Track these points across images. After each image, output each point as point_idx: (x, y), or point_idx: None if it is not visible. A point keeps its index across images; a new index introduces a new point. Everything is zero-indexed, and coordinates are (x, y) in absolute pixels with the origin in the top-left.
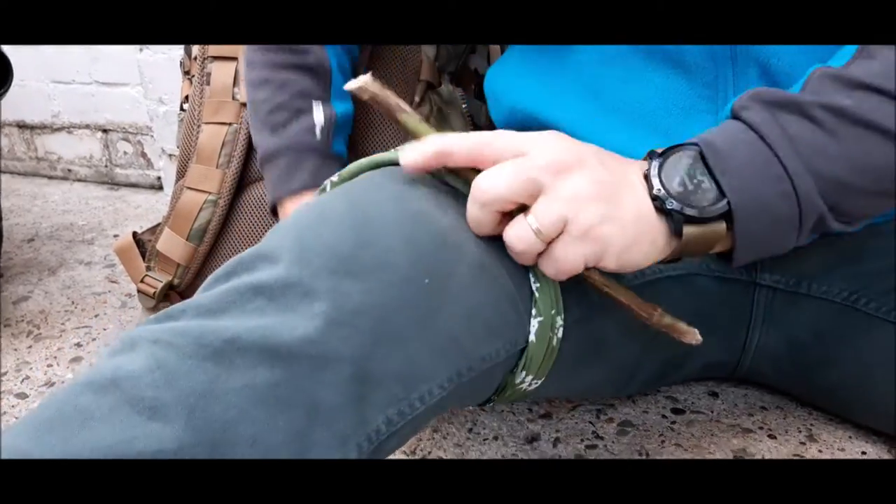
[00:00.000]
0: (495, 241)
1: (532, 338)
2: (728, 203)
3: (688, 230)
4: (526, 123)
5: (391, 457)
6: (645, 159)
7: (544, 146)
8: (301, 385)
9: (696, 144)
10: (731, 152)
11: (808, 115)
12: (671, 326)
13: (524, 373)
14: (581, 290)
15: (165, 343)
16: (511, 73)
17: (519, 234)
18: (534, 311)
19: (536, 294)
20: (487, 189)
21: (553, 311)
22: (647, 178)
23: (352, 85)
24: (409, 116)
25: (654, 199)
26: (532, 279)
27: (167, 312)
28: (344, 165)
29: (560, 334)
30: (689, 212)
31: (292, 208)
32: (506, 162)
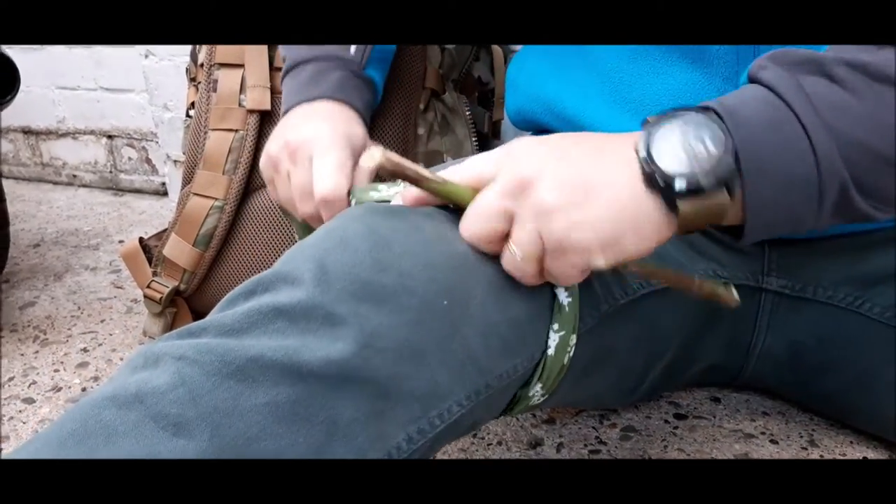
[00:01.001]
0: None
1: (551, 352)
2: (735, 161)
3: (684, 205)
4: (544, 113)
5: None
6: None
7: (505, 168)
8: (321, 402)
9: (702, 107)
10: (740, 108)
11: (828, 73)
12: (713, 293)
13: (538, 385)
14: (594, 300)
15: (190, 360)
16: (533, 62)
17: (508, 263)
18: (556, 326)
19: (566, 308)
20: (468, 236)
21: (572, 327)
22: (637, 152)
23: (368, 163)
24: (435, 182)
25: (645, 175)
26: (565, 293)
27: (188, 329)
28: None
29: (573, 352)
30: (680, 185)
31: (302, 115)
32: (476, 199)
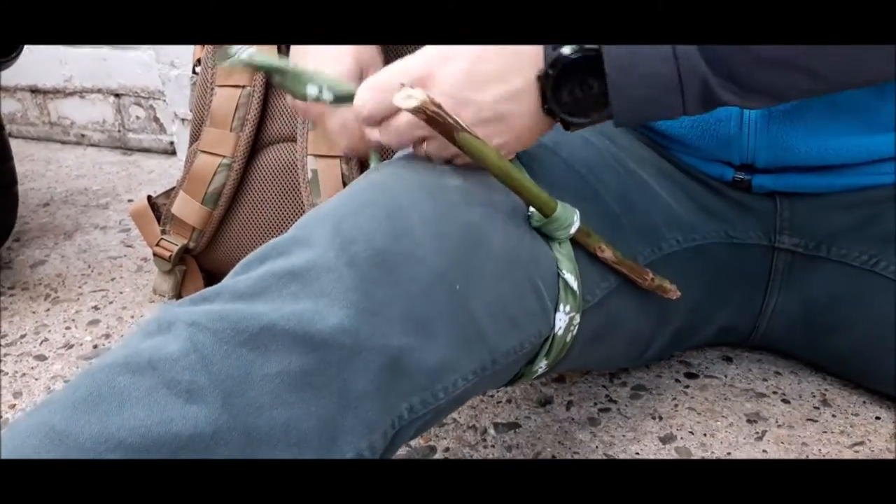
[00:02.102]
0: (523, 230)
1: (559, 331)
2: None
3: (574, 128)
4: None
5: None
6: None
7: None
8: (333, 373)
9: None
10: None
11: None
12: (661, 287)
13: (543, 361)
14: (601, 273)
15: (202, 326)
16: None
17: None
18: (567, 308)
19: (577, 290)
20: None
21: (579, 306)
22: (539, 80)
23: (405, 103)
24: (470, 137)
25: (544, 108)
26: (571, 277)
27: (202, 294)
28: None
29: (576, 331)
30: (577, 121)
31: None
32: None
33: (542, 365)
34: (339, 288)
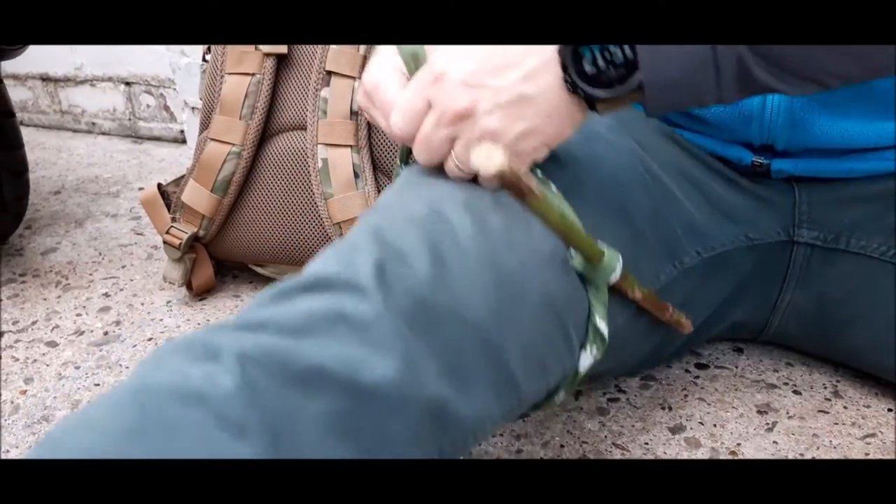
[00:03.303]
0: (560, 274)
1: (582, 369)
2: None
3: (601, 106)
4: None
5: None
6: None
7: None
8: (375, 420)
9: None
10: None
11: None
12: (678, 322)
13: (562, 393)
14: (622, 301)
15: (253, 361)
16: None
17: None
18: (594, 350)
19: (606, 337)
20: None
21: (606, 348)
22: (559, 53)
23: (485, 164)
24: (542, 202)
25: (566, 82)
26: (603, 325)
27: (246, 321)
28: None
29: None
30: (600, 94)
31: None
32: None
33: (560, 396)
34: (385, 337)
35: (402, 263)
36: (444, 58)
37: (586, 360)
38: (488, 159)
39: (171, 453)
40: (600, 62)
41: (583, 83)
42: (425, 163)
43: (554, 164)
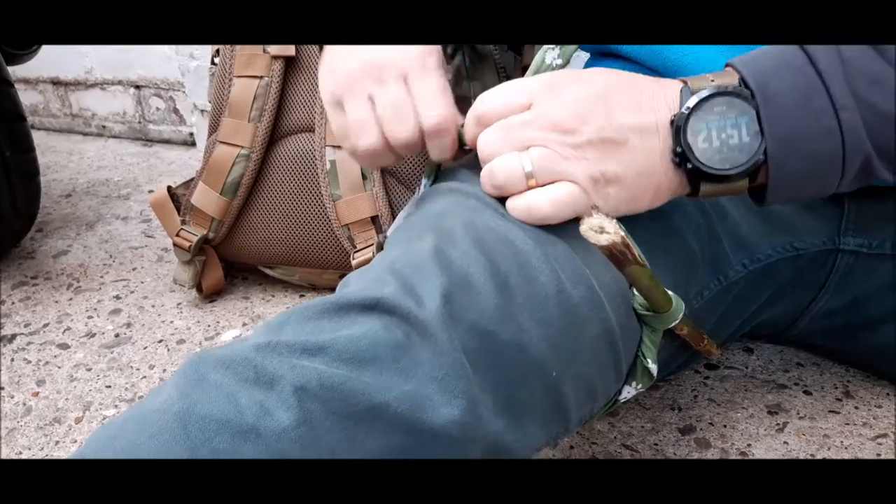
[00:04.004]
0: (622, 311)
1: (622, 399)
2: (762, 153)
3: (706, 188)
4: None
5: None
6: (683, 85)
7: (542, 104)
8: (433, 457)
9: (743, 83)
10: (772, 78)
11: None
12: (709, 351)
13: (593, 418)
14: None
15: (312, 394)
16: None
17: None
18: (638, 385)
19: (654, 374)
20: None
21: (648, 386)
22: (672, 124)
23: (595, 237)
24: (644, 271)
25: (675, 153)
26: (654, 367)
27: (303, 344)
28: None
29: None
30: (710, 171)
31: None
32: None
33: (594, 420)
34: (451, 374)
35: (468, 292)
36: (569, 75)
37: (629, 392)
38: (601, 232)
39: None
40: (714, 140)
41: (692, 156)
42: (484, 154)
43: None
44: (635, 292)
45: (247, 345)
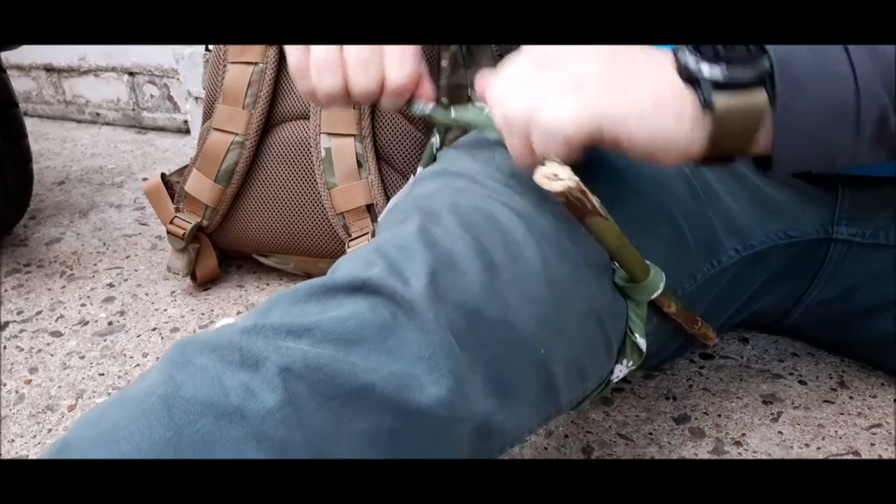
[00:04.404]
0: (606, 285)
1: (615, 378)
2: (770, 63)
3: (720, 99)
4: None
5: None
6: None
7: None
8: (421, 438)
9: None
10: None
11: None
12: (705, 335)
13: (588, 400)
14: (650, 310)
15: (297, 375)
16: None
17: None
18: (630, 363)
19: (643, 349)
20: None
21: (640, 363)
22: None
23: (549, 184)
24: (607, 224)
25: (681, 68)
26: (642, 341)
27: (288, 325)
28: None
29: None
30: (714, 73)
31: None
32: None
33: (585, 403)
34: (438, 353)
35: (453, 270)
36: (562, 49)
37: (621, 371)
38: (554, 178)
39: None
40: (720, 66)
41: (702, 62)
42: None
43: (594, 169)
44: (616, 265)
45: (233, 329)
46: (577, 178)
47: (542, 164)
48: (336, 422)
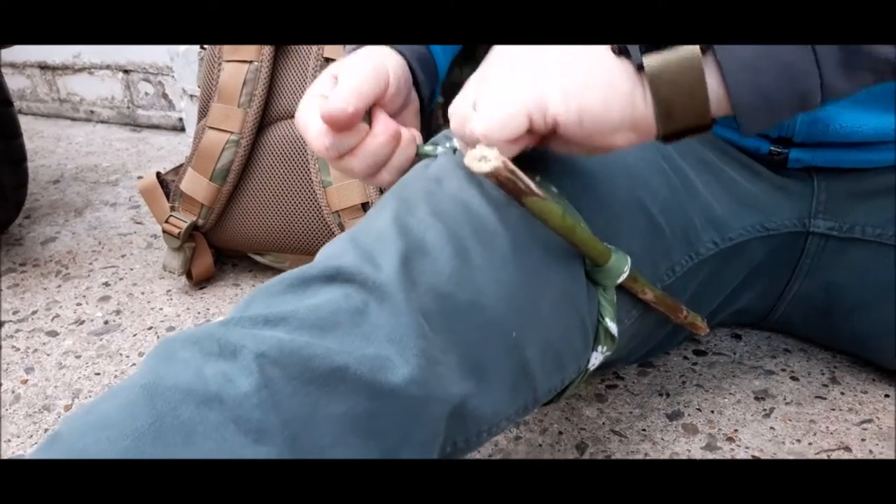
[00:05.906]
0: (576, 270)
1: (591, 367)
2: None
3: (650, 60)
4: None
5: None
6: None
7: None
8: (398, 420)
9: None
10: None
11: None
12: (692, 324)
13: (568, 391)
14: (633, 300)
15: (272, 360)
16: None
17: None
18: (604, 349)
19: (616, 335)
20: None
21: (615, 349)
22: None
23: (477, 166)
24: (546, 205)
25: (613, 49)
26: (613, 326)
27: (264, 315)
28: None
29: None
30: (649, 59)
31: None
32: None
33: (567, 393)
34: (408, 335)
35: (425, 256)
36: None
37: (596, 358)
38: (482, 160)
39: (186, 457)
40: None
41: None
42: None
43: (565, 161)
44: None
45: (214, 323)
46: (504, 159)
47: (474, 149)
48: (313, 405)
